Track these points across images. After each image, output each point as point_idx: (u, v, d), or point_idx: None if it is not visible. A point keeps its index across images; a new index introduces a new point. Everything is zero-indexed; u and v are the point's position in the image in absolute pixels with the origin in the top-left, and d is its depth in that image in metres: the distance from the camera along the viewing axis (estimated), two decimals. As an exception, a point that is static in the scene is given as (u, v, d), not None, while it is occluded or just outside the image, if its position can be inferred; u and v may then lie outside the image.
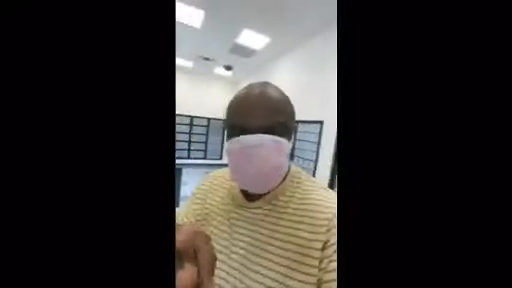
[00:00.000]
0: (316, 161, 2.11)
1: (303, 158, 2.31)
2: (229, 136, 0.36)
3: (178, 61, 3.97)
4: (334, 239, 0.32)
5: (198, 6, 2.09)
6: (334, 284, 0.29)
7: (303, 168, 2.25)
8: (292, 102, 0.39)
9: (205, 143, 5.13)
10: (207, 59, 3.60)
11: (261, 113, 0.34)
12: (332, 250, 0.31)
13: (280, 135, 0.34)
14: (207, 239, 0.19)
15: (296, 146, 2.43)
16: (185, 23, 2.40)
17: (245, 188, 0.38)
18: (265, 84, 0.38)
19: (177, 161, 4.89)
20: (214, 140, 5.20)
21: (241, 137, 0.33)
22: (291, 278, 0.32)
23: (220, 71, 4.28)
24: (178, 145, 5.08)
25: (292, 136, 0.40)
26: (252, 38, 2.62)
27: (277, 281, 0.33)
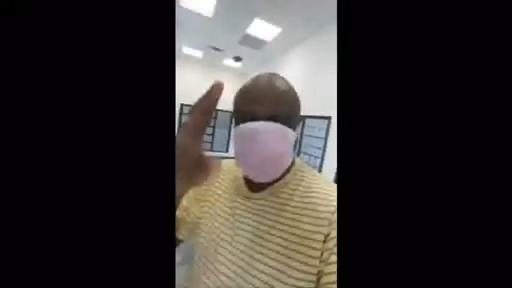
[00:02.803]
0: (322, 157, 2.10)
1: (309, 154, 2.30)
2: (237, 122, 0.38)
3: (188, 50, 3.96)
4: (335, 233, 0.33)
5: (210, -6, 2.06)
6: (335, 276, 0.30)
7: (310, 163, 2.25)
8: (297, 95, 0.40)
9: (212, 135, 5.17)
10: (217, 49, 3.57)
11: (267, 101, 0.35)
12: (333, 243, 0.32)
13: (285, 124, 0.35)
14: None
15: (303, 142, 2.41)
16: (197, 11, 2.37)
17: (249, 175, 0.39)
18: (273, 75, 0.39)
19: (184, 151, 4.93)
20: (221, 132, 5.23)
21: (248, 123, 0.34)
22: (292, 268, 0.33)
23: (229, 62, 4.24)
24: (185, 135, 5.11)
25: (298, 128, 0.40)
26: (263, 28, 2.57)
27: (278, 270, 0.34)
